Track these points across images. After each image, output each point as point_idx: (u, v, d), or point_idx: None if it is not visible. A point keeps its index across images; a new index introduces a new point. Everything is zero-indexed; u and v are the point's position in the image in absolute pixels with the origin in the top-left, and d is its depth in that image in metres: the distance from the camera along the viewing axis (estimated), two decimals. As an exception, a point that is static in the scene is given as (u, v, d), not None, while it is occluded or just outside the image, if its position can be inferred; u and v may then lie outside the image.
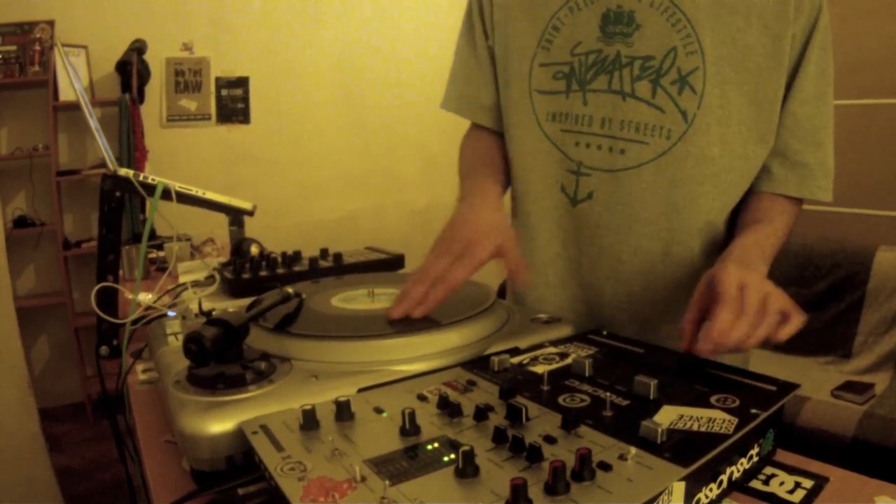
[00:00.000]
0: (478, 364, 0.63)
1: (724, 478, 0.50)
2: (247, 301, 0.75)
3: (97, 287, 0.94)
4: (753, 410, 0.51)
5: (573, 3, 0.82)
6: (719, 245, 0.84)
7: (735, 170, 0.81)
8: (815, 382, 2.21)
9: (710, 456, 0.45)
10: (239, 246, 1.34)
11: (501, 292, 0.89)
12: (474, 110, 0.97)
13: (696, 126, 0.78)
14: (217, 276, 1.09)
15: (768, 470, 0.56)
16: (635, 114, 0.79)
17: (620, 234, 0.84)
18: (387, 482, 0.41)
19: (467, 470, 0.42)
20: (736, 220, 0.85)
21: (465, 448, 0.42)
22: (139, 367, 0.88)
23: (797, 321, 0.61)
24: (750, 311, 0.59)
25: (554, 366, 0.62)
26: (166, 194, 1.04)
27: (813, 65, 0.79)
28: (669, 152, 0.79)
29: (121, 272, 1.63)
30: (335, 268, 1.10)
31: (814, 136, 0.81)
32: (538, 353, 0.66)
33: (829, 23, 0.79)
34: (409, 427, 0.48)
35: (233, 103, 3.59)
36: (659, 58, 0.77)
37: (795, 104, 0.80)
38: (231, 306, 0.94)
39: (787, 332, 0.61)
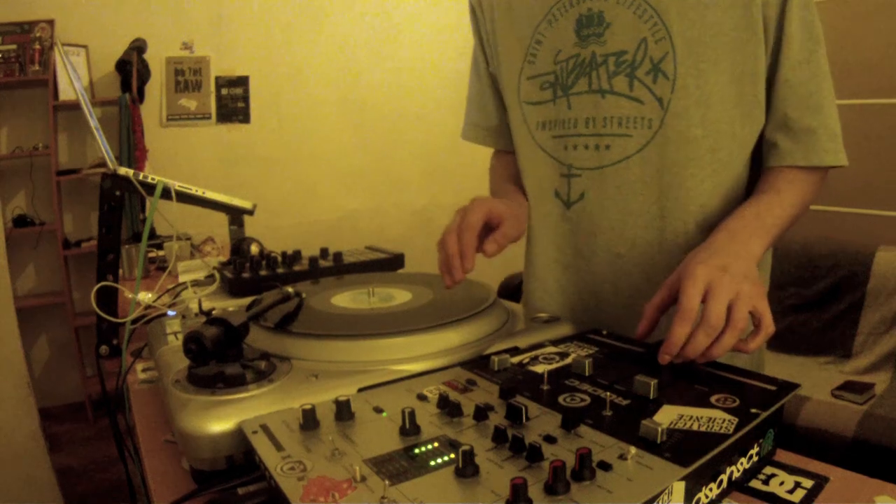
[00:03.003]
0: (478, 364, 0.63)
1: (724, 478, 0.50)
2: (247, 300, 0.75)
3: (97, 286, 0.94)
4: (753, 410, 0.51)
5: (551, 16, 0.84)
6: (714, 227, 0.82)
7: (722, 149, 0.80)
8: (815, 382, 2.21)
9: (710, 456, 0.45)
10: (239, 245, 1.34)
11: (502, 292, 0.89)
12: (487, 136, 1.02)
13: (672, 110, 0.78)
14: (217, 276, 1.09)
15: (768, 470, 0.56)
16: (616, 109, 0.80)
17: (615, 230, 0.84)
18: (387, 482, 0.41)
19: (467, 470, 0.42)
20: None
21: (465, 448, 0.42)
22: (139, 366, 0.88)
23: (765, 331, 0.61)
24: (712, 322, 0.59)
25: (554, 365, 0.62)
26: (166, 193, 1.04)
27: (795, 25, 0.75)
28: (652, 141, 0.80)
29: (121, 271, 1.63)
30: (335, 267, 1.11)
31: (809, 100, 0.78)
32: (538, 352, 0.66)
33: None
34: (409, 427, 0.48)
35: (233, 103, 3.59)
36: (631, 51, 0.78)
37: (786, 70, 0.77)
38: (231, 306, 0.94)
39: (753, 346, 0.61)
